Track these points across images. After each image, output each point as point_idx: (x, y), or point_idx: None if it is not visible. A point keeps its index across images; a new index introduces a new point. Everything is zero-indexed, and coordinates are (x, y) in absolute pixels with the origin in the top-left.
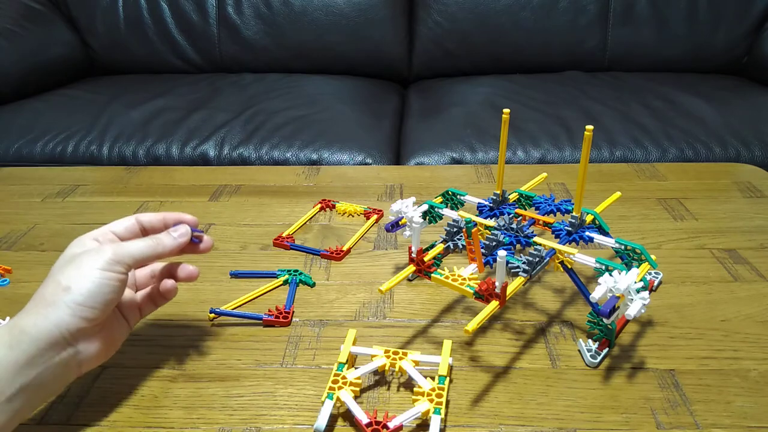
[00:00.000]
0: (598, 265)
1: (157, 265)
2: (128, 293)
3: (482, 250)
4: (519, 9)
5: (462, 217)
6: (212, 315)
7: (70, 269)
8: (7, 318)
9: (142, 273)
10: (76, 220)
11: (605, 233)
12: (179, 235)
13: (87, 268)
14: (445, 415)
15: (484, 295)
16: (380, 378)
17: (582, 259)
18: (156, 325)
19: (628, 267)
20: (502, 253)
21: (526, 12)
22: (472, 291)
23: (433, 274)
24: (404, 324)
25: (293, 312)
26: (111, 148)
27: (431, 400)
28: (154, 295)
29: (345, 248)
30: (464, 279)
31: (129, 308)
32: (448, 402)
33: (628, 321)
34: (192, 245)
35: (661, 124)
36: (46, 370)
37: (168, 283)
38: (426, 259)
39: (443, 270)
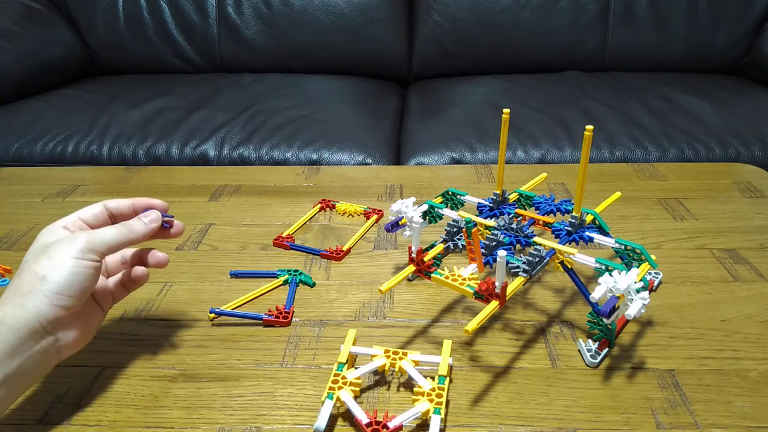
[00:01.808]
0: (598, 265)
1: (128, 251)
2: (101, 280)
3: (482, 250)
4: (519, 9)
5: (462, 217)
6: (212, 315)
7: (44, 259)
8: None
9: (112, 259)
10: None
11: (605, 233)
12: (150, 220)
13: (61, 257)
14: (445, 415)
15: (484, 295)
16: (380, 378)
17: (582, 259)
18: (156, 325)
19: (628, 267)
20: (502, 253)
21: (526, 12)
22: (472, 291)
23: (433, 274)
24: (404, 324)
25: (293, 312)
26: (111, 148)
27: (431, 400)
28: (126, 281)
29: (345, 248)
30: (464, 279)
31: (102, 295)
32: (448, 402)
33: (628, 321)
34: (163, 230)
35: (660, 124)
36: (27, 360)
37: (139, 269)
38: (426, 259)
39: (443, 270)
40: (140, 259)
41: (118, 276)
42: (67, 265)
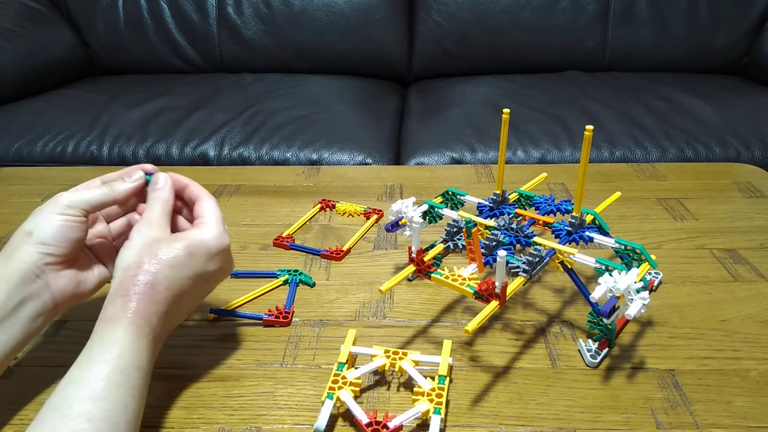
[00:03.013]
0: (598, 265)
1: (135, 216)
2: (100, 235)
3: (482, 250)
4: (519, 9)
5: (462, 217)
6: (212, 315)
7: (30, 218)
8: None
9: (118, 224)
10: None
11: (605, 233)
12: (132, 180)
13: (45, 214)
14: (445, 415)
15: (484, 295)
16: (380, 378)
17: (582, 259)
18: None
19: (628, 267)
20: (502, 253)
21: (526, 12)
22: (472, 291)
23: (433, 274)
24: (404, 324)
25: (293, 312)
26: (111, 148)
27: (431, 400)
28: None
29: (345, 248)
30: (464, 279)
31: (101, 247)
32: (448, 402)
33: (628, 321)
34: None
35: (660, 124)
36: (22, 304)
37: (136, 217)
38: (426, 259)
39: (443, 270)
40: (139, 197)
41: (121, 229)
42: (51, 219)
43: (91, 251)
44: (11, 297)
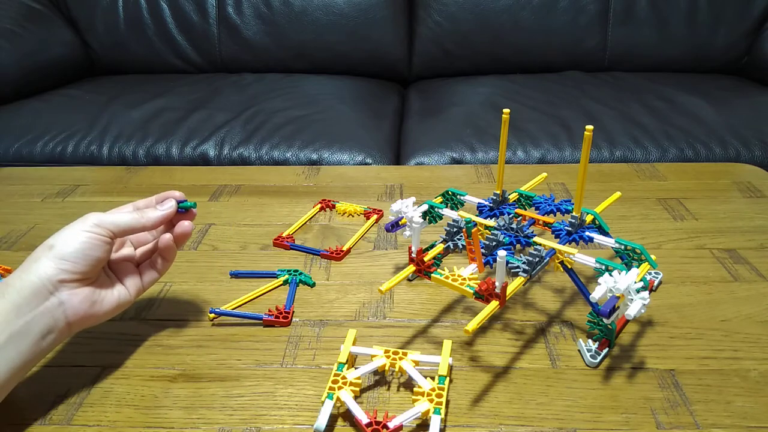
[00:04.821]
0: (598, 265)
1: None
2: (123, 256)
3: (482, 250)
4: (519, 9)
5: (462, 217)
6: (212, 315)
7: (56, 234)
8: None
9: (143, 249)
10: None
11: (605, 233)
12: (164, 208)
13: (71, 230)
14: (445, 415)
15: (484, 295)
16: (380, 378)
17: (582, 259)
18: (156, 325)
19: (628, 267)
20: (502, 253)
21: (526, 12)
22: (472, 291)
23: (433, 274)
24: (404, 324)
25: (293, 312)
26: (111, 148)
27: (431, 400)
28: (153, 260)
29: (345, 248)
30: (464, 279)
31: (124, 271)
32: (448, 402)
33: (628, 321)
34: (180, 215)
35: (661, 124)
36: (32, 320)
37: (165, 237)
38: (426, 259)
39: (443, 270)
40: (169, 224)
41: (145, 252)
42: (75, 235)
43: (114, 272)
44: (21, 311)
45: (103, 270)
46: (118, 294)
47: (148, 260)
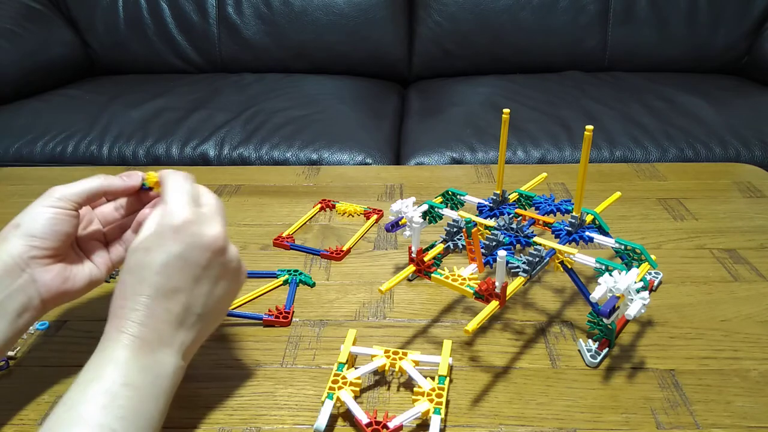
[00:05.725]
0: (598, 265)
1: (121, 201)
2: (89, 230)
3: (482, 250)
4: (519, 9)
5: (462, 217)
6: None
7: (22, 213)
8: None
9: (105, 209)
10: None
11: (605, 233)
12: (128, 177)
13: (36, 207)
14: (445, 415)
15: (484, 295)
16: (380, 378)
17: (582, 259)
18: None
19: (628, 267)
20: (502, 253)
21: (526, 12)
22: (472, 291)
23: (433, 274)
24: (404, 324)
25: (293, 312)
26: (111, 148)
27: (431, 400)
28: (124, 238)
29: (345, 248)
30: (464, 279)
31: (92, 248)
32: (448, 402)
33: (628, 321)
34: (144, 193)
35: (661, 124)
36: (6, 298)
37: (144, 212)
38: (426, 259)
39: (443, 270)
40: (138, 204)
41: (114, 230)
42: (40, 212)
43: (82, 251)
44: None
45: (72, 248)
46: (89, 270)
47: (117, 239)
